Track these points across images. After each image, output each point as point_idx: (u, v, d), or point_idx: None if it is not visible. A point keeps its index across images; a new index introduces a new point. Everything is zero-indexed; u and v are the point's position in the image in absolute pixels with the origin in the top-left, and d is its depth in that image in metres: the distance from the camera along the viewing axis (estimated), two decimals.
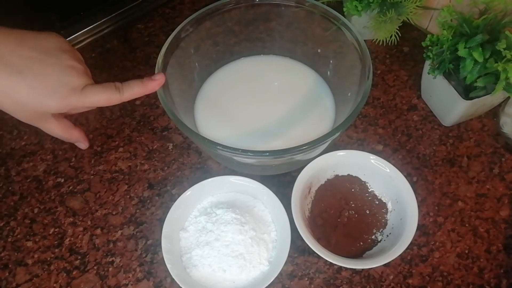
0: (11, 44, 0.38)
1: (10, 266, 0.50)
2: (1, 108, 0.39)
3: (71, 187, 0.55)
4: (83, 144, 0.47)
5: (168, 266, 0.45)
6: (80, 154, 0.57)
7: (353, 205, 0.50)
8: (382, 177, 0.50)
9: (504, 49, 0.45)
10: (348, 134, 0.58)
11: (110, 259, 0.50)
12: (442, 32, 0.51)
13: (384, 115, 0.60)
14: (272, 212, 0.50)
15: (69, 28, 0.67)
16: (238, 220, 0.47)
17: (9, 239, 0.52)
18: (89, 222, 0.53)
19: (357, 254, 0.47)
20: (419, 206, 0.47)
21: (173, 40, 0.50)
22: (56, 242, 0.51)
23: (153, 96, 0.62)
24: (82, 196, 0.54)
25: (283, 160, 0.47)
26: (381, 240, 0.48)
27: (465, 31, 0.49)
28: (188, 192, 0.50)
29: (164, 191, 0.55)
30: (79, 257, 0.50)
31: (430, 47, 0.52)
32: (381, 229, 0.49)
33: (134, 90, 0.42)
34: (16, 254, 0.51)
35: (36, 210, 0.53)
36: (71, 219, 0.53)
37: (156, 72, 0.47)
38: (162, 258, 0.46)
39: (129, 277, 0.49)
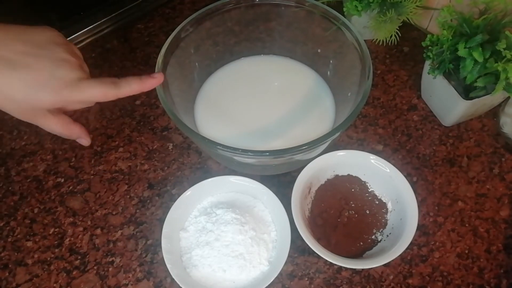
0: (4, 38, 0.37)
1: (10, 266, 0.50)
2: None
3: (71, 187, 0.55)
4: (84, 140, 0.45)
5: (168, 266, 0.45)
6: (80, 154, 0.57)
7: (353, 205, 0.50)
8: (382, 177, 0.50)
9: (504, 49, 0.45)
10: (348, 134, 0.58)
11: (110, 259, 0.50)
12: (442, 32, 0.51)
13: (384, 115, 0.60)
14: (272, 212, 0.50)
15: (69, 28, 0.67)
16: (238, 220, 0.47)
17: (9, 239, 0.52)
18: (89, 222, 0.53)
19: (357, 254, 0.47)
20: (419, 206, 0.47)
21: (173, 40, 0.50)
22: (56, 242, 0.51)
23: (153, 96, 0.62)
24: (82, 196, 0.54)
25: (283, 160, 0.47)
26: (381, 240, 0.48)
27: (465, 31, 0.49)
28: (188, 192, 0.50)
29: (164, 191, 0.55)
30: (79, 257, 0.50)
31: (430, 47, 0.52)
32: (381, 229, 0.49)
33: (131, 86, 0.41)
34: (16, 254, 0.51)
35: (36, 210, 0.53)
36: (71, 219, 0.53)
37: (156, 72, 0.47)
38: (162, 258, 0.46)
39: (129, 277, 0.49)
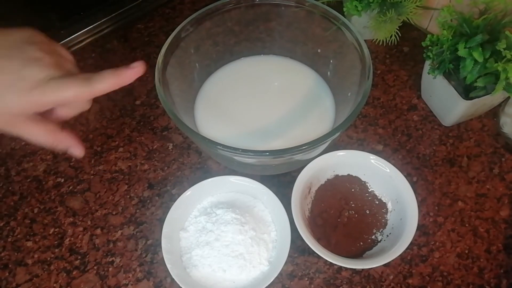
0: None
1: (10, 266, 0.50)
2: None
3: (71, 187, 0.55)
4: (76, 150, 0.39)
5: (168, 266, 0.45)
6: None
7: (353, 205, 0.50)
8: (382, 177, 0.50)
9: (504, 49, 0.45)
10: (348, 134, 0.58)
11: (110, 259, 0.50)
12: (442, 32, 0.51)
13: (384, 115, 0.60)
14: (272, 212, 0.50)
15: (69, 28, 0.67)
16: (238, 220, 0.47)
17: (9, 239, 0.52)
18: (89, 222, 0.53)
19: (357, 254, 0.47)
20: (419, 206, 0.47)
21: (173, 40, 0.50)
22: (56, 242, 0.51)
23: (153, 96, 0.62)
24: (82, 196, 0.54)
25: (283, 160, 0.47)
26: (381, 240, 0.48)
27: (465, 31, 0.49)
28: (188, 192, 0.50)
29: (164, 191, 0.55)
30: (79, 257, 0.50)
31: (430, 47, 0.52)
32: (381, 229, 0.49)
33: (106, 81, 0.36)
34: (16, 254, 0.51)
35: (36, 210, 0.53)
36: (71, 219, 0.53)
37: (156, 72, 0.47)
38: (162, 258, 0.46)
39: (129, 277, 0.49)
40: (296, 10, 0.55)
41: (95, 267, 0.50)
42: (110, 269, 0.50)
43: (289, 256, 0.46)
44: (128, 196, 0.54)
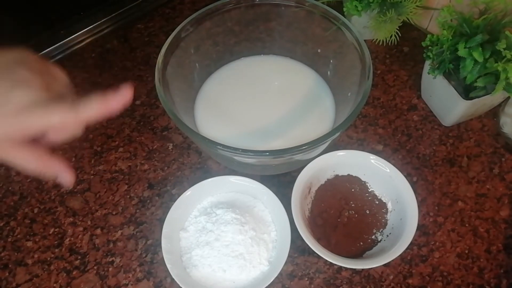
0: None
1: (10, 266, 0.50)
2: None
3: (71, 187, 0.55)
4: (65, 177, 0.37)
5: (168, 266, 0.45)
6: (80, 154, 0.57)
7: (353, 205, 0.50)
8: (382, 177, 0.50)
9: (504, 49, 0.45)
10: (348, 134, 0.58)
11: (110, 259, 0.50)
12: (442, 32, 0.51)
13: (384, 115, 0.60)
14: (272, 212, 0.50)
15: (69, 28, 0.67)
16: (238, 220, 0.47)
17: (9, 239, 0.52)
18: (89, 222, 0.53)
19: (357, 254, 0.47)
20: (419, 206, 0.47)
21: (173, 40, 0.50)
22: (56, 242, 0.51)
23: (153, 96, 0.62)
24: (82, 196, 0.54)
25: (283, 160, 0.47)
26: (381, 240, 0.48)
27: (465, 31, 0.49)
28: (188, 192, 0.50)
29: (164, 191, 0.55)
30: (79, 257, 0.50)
31: (430, 47, 0.52)
32: (381, 229, 0.49)
33: (93, 107, 0.35)
34: (16, 254, 0.51)
35: (36, 210, 0.53)
36: (71, 219, 0.53)
37: (156, 72, 0.47)
38: (162, 258, 0.46)
39: (129, 277, 0.49)
40: (296, 10, 0.55)
41: (95, 267, 0.50)
42: (110, 269, 0.50)
43: (289, 256, 0.46)
44: (128, 196, 0.54)
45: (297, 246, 0.50)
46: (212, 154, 0.52)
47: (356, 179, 0.51)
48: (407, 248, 0.44)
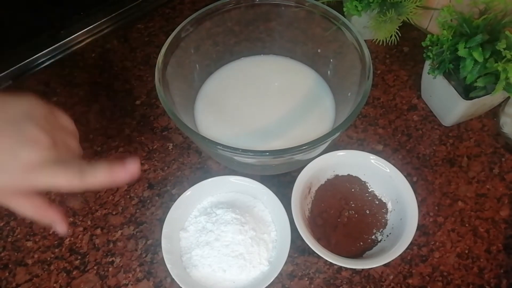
0: None
1: (10, 266, 0.50)
2: None
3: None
4: (60, 227, 0.38)
5: (168, 266, 0.45)
6: None
7: (353, 205, 0.50)
8: (382, 177, 0.50)
9: (504, 49, 0.45)
10: (348, 134, 0.58)
11: (110, 259, 0.50)
12: (442, 32, 0.51)
13: (384, 115, 0.60)
14: (272, 212, 0.50)
15: (69, 28, 0.67)
16: (238, 220, 0.47)
17: (9, 239, 0.52)
18: (89, 222, 0.53)
19: (357, 254, 0.47)
20: (419, 206, 0.47)
21: (173, 40, 0.50)
22: (56, 242, 0.51)
23: (153, 96, 0.62)
24: (82, 196, 0.54)
25: (283, 160, 0.47)
26: (381, 240, 0.48)
27: (465, 31, 0.49)
28: (188, 192, 0.50)
29: (164, 191, 0.55)
30: (79, 257, 0.50)
31: (430, 47, 0.52)
32: (381, 229, 0.49)
33: (99, 176, 0.36)
34: (16, 254, 0.51)
35: None
36: (71, 219, 0.53)
37: (156, 72, 0.47)
38: (162, 258, 0.46)
39: (129, 277, 0.49)
40: (296, 10, 0.55)
41: (95, 267, 0.50)
42: (110, 269, 0.50)
43: (289, 256, 0.46)
44: (128, 196, 0.54)
45: (297, 246, 0.50)
46: (212, 154, 0.52)
47: (356, 179, 0.51)
48: (407, 248, 0.44)
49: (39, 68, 0.65)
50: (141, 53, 0.67)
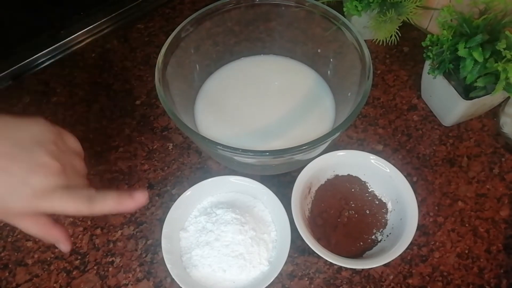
0: None
1: (10, 266, 0.50)
2: None
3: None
4: (63, 246, 0.39)
5: (168, 266, 0.45)
6: None
7: (353, 205, 0.50)
8: (382, 177, 0.50)
9: (504, 49, 0.45)
10: (348, 134, 0.58)
11: (110, 259, 0.50)
12: (442, 32, 0.51)
13: (384, 115, 0.60)
14: (272, 212, 0.50)
15: (69, 28, 0.67)
16: (238, 220, 0.47)
17: (9, 239, 0.52)
18: (89, 222, 0.53)
19: (357, 254, 0.47)
20: (419, 206, 0.47)
21: (173, 40, 0.50)
22: None
23: (153, 96, 0.62)
24: None
25: (283, 160, 0.47)
26: (381, 240, 0.48)
27: (465, 31, 0.49)
28: (188, 192, 0.50)
29: (164, 191, 0.55)
30: (79, 257, 0.50)
31: (430, 47, 0.52)
32: (381, 229, 0.49)
33: (106, 205, 0.37)
34: (16, 254, 0.51)
35: None
36: (71, 219, 0.53)
37: (156, 72, 0.47)
38: (162, 258, 0.46)
39: (129, 277, 0.49)
40: (296, 10, 0.55)
41: (95, 267, 0.50)
42: (110, 269, 0.50)
43: (289, 256, 0.46)
44: None
45: (297, 246, 0.50)
46: (212, 154, 0.52)
47: (356, 179, 0.51)
48: (407, 248, 0.44)
49: (39, 68, 0.65)
50: (141, 53, 0.67)
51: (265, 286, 0.44)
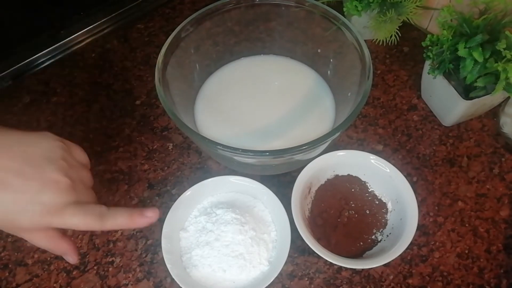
0: None
1: (10, 266, 0.50)
2: None
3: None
4: (71, 258, 0.39)
5: (168, 266, 0.45)
6: None
7: (353, 205, 0.50)
8: (382, 177, 0.50)
9: (504, 49, 0.45)
10: (348, 134, 0.58)
11: (110, 259, 0.50)
12: (442, 32, 0.51)
13: (384, 115, 0.60)
14: (272, 212, 0.50)
15: (69, 28, 0.67)
16: (238, 220, 0.47)
17: (9, 239, 0.52)
18: None
19: (357, 254, 0.47)
20: (419, 206, 0.47)
21: (173, 40, 0.50)
22: None
23: (153, 96, 0.62)
24: None
25: (283, 160, 0.47)
26: (381, 240, 0.48)
27: (465, 31, 0.49)
28: (188, 192, 0.50)
29: (164, 191, 0.55)
30: (79, 257, 0.50)
31: (430, 47, 0.52)
32: (381, 229, 0.49)
33: (118, 222, 0.38)
34: (16, 254, 0.51)
35: None
36: None
37: (156, 72, 0.47)
38: (162, 258, 0.46)
39: (129, 277, 0.49)
40: (296, 10, 0.55)
41: (95, 267, 0.50)
42: (110, 269, 0.50)
43: (289, 256, 0.46)
44: (128, 196, 0.54)
45: (297, 246, 0.50)
46: (212, 154, 0.52)
47: (356, 179, 0.51)
48: (407, 248, 0.44)
49: (39, 68, 0.65)
50: (141, 53, 0.67)
51: (265, 286, 0.44)
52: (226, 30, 0.56)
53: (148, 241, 0.51)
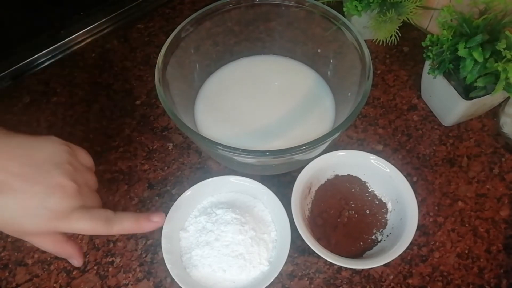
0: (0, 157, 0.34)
1: (10, 266, 0.50)
2: None
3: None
4: (76, 261, 0.40)
5: (168, 266, 0.45)
6: None
7: (353, 205, 0.50)
8: (382, 177, 0.50)
9: (504, 49, 0.45)
10: (348, 134, 0.58)
11: (110, 259, 0.50)
12: (442, 32, 0.51)
13: (384, 115, 0.60)
14: (272, 212, 0.50)
15: (69, 28, 0.67)
16: (238, 220, 0.47)
17: (9, 239, 0.52)
18: None
19: (357, 254, 0.47)
20: (419, 206, 0.47)
21: (173, 40, 0.50)
22: None
23: (153, 96, 0.62)
24: None
25: (283, 160, 0.47)
26: (381, 240, 0.48)
27: (465, 31, 0.49)
28: (188, 192, 0.50)
29: (164, 191, 0.55)
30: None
31: (430, 47, 0.52)
32: (381, 229, 0.49)
33: (124, 226, 0.38)
34: (16, 254, 0.51)
35: None
36: None
37: (156, 72, 0.47)
38: (162, 258, 0.46)
39: (129, 277, 0.49)
40: (296, 10, 0.55)
41: (95, 267, 0.50)
42: (110, 269, 0.50)
43: (289, 256, 0.46)
44: (128, 196, 0.54)
45: (297, 246, 0.50)
46: (212, 154, 0.52)
47: (356, 179, 0.51)
48: (407, 248, 0.44)
49: (39, 68, 0.65)
50: (141, 53, 0.67)
51: (265, 286, 0.44)
52: (226, 30, 0.56)
53: (148, 241, 0.51)
